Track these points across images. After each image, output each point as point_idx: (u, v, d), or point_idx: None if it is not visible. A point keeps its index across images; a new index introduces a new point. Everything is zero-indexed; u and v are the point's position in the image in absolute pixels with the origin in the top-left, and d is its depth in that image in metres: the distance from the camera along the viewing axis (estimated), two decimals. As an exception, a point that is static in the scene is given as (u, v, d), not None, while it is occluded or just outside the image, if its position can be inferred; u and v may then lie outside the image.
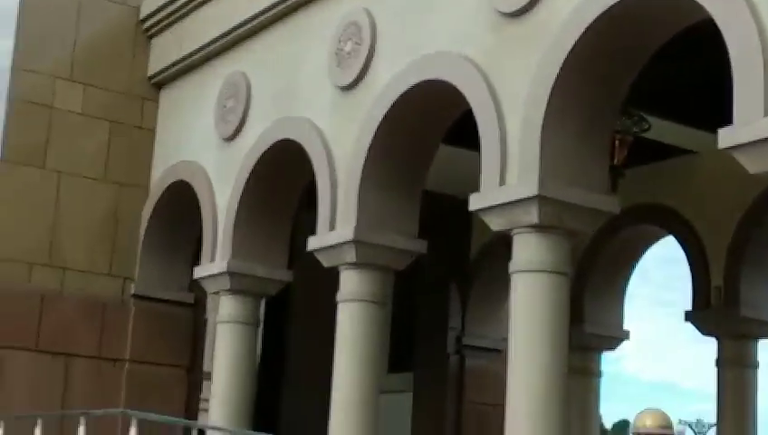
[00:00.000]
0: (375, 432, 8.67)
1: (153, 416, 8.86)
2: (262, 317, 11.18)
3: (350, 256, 8.78)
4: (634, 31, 7.15)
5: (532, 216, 7.19)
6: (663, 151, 11.80)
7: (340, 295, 8.89)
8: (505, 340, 7.58)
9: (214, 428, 9.76)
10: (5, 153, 11.26)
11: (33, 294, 11.22)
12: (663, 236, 12.76)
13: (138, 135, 12.02)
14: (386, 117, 8.66)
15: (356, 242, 8.72)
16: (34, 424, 9.58)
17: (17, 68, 11.42)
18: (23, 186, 11.31)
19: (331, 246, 8.95)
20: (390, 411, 12.35)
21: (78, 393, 11.13)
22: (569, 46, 7.12)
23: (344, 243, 8.79)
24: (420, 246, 9.13)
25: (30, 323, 11.16)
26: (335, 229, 8.98)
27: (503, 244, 7.86)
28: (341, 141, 9.15)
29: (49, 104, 11.53)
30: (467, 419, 13.60)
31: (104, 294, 11.58)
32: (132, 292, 11.70)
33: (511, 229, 7.39)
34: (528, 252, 7.25)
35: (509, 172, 7.43)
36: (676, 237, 12.17)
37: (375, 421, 8.69)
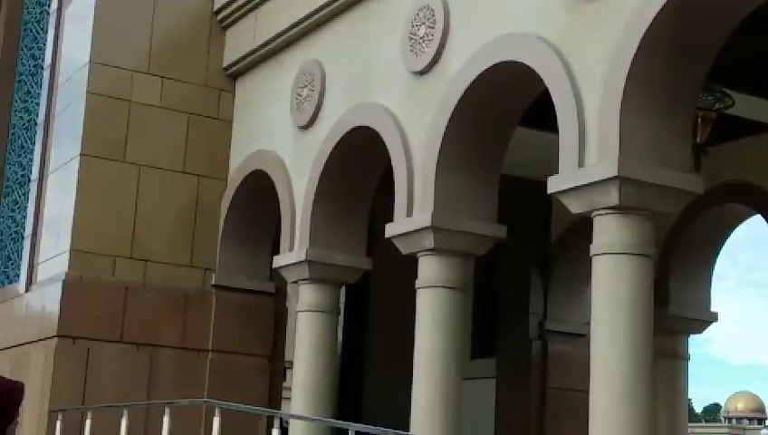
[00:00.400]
0: (458, 418, 8.60)
1: (236, 405, 8.90)
2: (342, 305, 11.18)
3: (428, 242, 8.70)
4: (716, 3, 6.93)
5: (612, 197, 7.03)
6: (748, 128, 11.48)
7: (418, 282, 8.83)
8: (588, 324, 7.43)
9: (296, 417, 9.77)
10: (86, 147, 11.42)
11: (118, 286, 11.37)
12: (750, 216, 12.43)
13: (215, 126, 12.10)
14: (461, 100, 8.55)
15: (434, 228, 8.63)
16: (121, 414, 9.71)
17: (95, 63, 11.57)
18: (103, 180, 11.46)
19: (409, 233, 8.88)
20: (474, 397, 12.27)
21: (162, 383, 11.26)
22: (647, 21, 6.93)
23: (422, 229, 8.72)
24: (499, 231, 9.02)
25: (115, 315, 11.32)
26: (412, 215, 8.91)
27: (584, 226, 7.70)
28: (417, 126, 9.07)
29: (127, 98, 11.66)
30: (551, 404, 13.45)
31: (186, 285, 11.69)
32: (213, 282, 11.79)
33: (591, 211, 7.24)
34: (609, 234, 7.10)
35: (588, 153, 7.28)
36: (764, 217, 11.84)
37: (458, 407, 8.61)
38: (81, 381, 11.03)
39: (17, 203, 13.56)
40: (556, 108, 7.58)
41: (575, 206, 7.40)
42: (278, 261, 10.77)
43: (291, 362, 10.96)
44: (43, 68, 13.13)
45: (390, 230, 9.11)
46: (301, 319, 10.42)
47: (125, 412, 9.70)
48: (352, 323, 14.73)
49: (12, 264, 13.51)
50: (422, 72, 9.09)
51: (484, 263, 10.74)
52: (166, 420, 8.95)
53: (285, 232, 10.69)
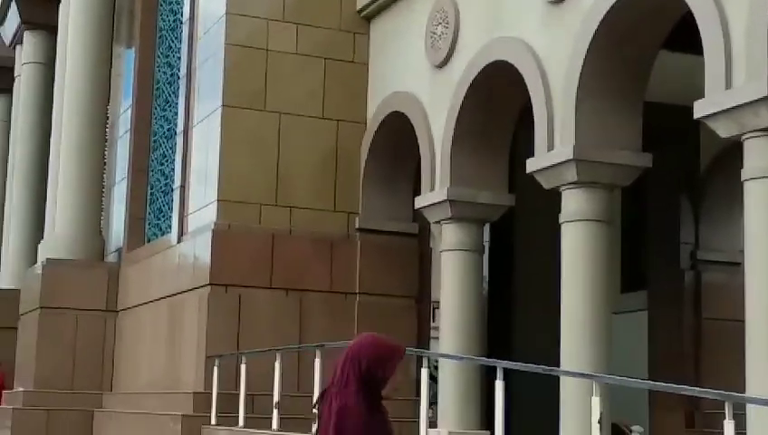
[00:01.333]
0: (608, 352, 8.46)
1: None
2: (486, 243, 11.09)
3: (571, 175, 8.52)
4: None
5: (763, 118, 6.71)
6: None
7: (562, 216, 8.67)
8: (743, 252, 7.17)
9: (445, 356, 9.79)
10: (227, 98, 11.59)
11: (264, 233, 11.56)
12: None
13: (351, 70, 12.08)
14: (600, 27, 8.29)
15: (576, 160, 8.44)
16: (274, 358, 9.92)
17: (231, 14, 11.68)
18: (246, 129, 11.62)
19: (551, 167, 8.71)
20: (625, 331, 12.06)
21: (313, 327, 11.44)
22: (795, -69, 6.54)
23: (564, 162, 8.54)
24: (645, 160, 8.76)
25: (263, 262, 11.53)
26: (554, 149, 8.73)
27: (736, 151, 7.39)
28: (555, 58, 8.85)
29: (264, 47, 11.74)
30: (706, 336, 13.09)
31: (330, 230, 11.80)
32: (357, 226, 11.87)
33: (741, 135, 6.94)
34: (761, 157, 6.79)
35: (735, 74, 6.96)
36: None
37: (608, 342, 8.47)
38: (235, 326, 11.31)
39: (165, 156, 13.92)
40: (700, 29, 7.26)
41: (724, 129, 7.11)
42: (420, 202, 10.75)
43: (438, 302, 10.97)
44: (182, 22, 13.36)
45: (532, 165, 8.96)
46: (445, 259, 10.39)
47: (278, 356, 9.90)
48: (497, 260, 14.62)
49: (163, 216, 13.91)
50: (558, 1, 8.84)
51: (630, 193, 10.49)
52: (317, 362, 9.10)
53: (426, 172, 10.64)
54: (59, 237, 15.35)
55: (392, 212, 11.96)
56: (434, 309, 12.92)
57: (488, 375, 9.36)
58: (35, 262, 16.59)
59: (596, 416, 6.31)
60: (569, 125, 8.54)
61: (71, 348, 14.41)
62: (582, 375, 7.57)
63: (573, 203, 8.59)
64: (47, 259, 15.01)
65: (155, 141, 14.42)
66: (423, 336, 12.07)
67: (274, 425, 9.57)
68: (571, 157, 8.42)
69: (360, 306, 11.69)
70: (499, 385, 7.01)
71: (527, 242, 14.33)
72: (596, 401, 6.35)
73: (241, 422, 10.17)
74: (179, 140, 12.94)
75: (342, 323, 11.43)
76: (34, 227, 19.04)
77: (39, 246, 16.73)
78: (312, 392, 9.04)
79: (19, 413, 14.50)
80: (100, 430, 14.00)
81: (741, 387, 6.81)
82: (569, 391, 8.22)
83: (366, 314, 11.62)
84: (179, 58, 13.35)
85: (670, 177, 13.05)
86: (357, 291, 11.74)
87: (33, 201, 19.45)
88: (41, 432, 14.01)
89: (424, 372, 7.78)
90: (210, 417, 10.64)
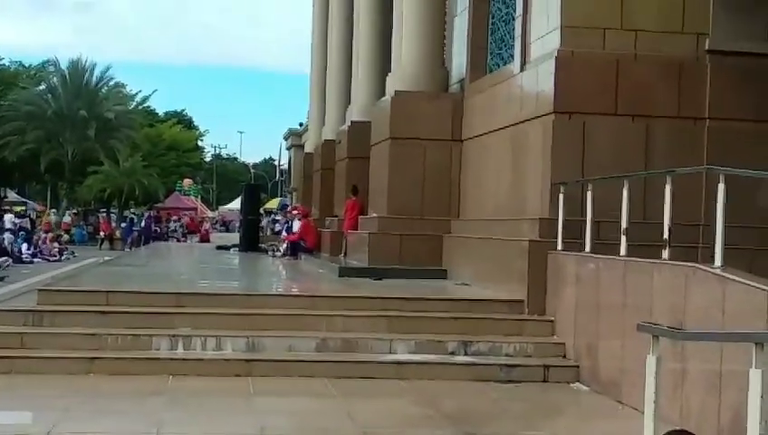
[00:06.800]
0: None
1: (741, 171, 8.58)
2: None
3: None
4: None
5: None
6: None
7: None
8: None
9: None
10: None
11: (609, 58, 11.31)
12: None
13: None
14: None
15: None
16: (621, 185, 9.80)
17: None
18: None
19: None
20: None
21: (658, 153, 11.18)
22: None
23: None
24: None
25: (607, 87, 11.32)
26: None
27: None
28: None
29: None
30: None
31: (678, 53, 11.33)
32: (707, 48, 11.30)
33: None
34: None
35: None
36: None
37: None
38: (579, 154, 11.27)
39: (506, -16, 13.84)
40: None
41: None
42: (778, 19, 10.03)
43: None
44: None
45: None
46: (806, 79, 9.68)
47: (625, 183, 9.77)
48: None
49: (505, 45, 13.94)
50: None
51: None
52: (667, 188, 8.87)
53: (785, -13, 9.88)
54: (405, 70, 15.84)
55: (746, 31, 11.28)
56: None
57: None
58: (383, 95, 17.26)
59: None
60: None
61: (419, 176, 15.06)
62: None
63: None
64: (395, 91, 15.57)
65: (494, -30, 14.35)
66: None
67: (623, 251, 9.52)
68: None
69: (711, 132, 11.25)
70: None
71: None
72: None
73: (587, 248, 10.22)
74: (519, -33, 12.79)
75: (690, 149, 11.08)
76: (381, 61, 19.72)
77: (387, 78, 17.38)
78: (660, 220, 8.88)
79: (375, 238, 15.44)
80: (449, 255, 14.62)
81: None
82: None
83: (716, 140, 11.17)
84: None
85: None
86: (707, 116, 11.29)
87: (379, 36, 20.09)
88: (394, 255, 14.86)
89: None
90: (556, 242, 10.77)
